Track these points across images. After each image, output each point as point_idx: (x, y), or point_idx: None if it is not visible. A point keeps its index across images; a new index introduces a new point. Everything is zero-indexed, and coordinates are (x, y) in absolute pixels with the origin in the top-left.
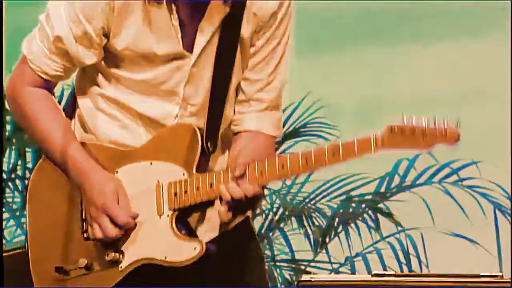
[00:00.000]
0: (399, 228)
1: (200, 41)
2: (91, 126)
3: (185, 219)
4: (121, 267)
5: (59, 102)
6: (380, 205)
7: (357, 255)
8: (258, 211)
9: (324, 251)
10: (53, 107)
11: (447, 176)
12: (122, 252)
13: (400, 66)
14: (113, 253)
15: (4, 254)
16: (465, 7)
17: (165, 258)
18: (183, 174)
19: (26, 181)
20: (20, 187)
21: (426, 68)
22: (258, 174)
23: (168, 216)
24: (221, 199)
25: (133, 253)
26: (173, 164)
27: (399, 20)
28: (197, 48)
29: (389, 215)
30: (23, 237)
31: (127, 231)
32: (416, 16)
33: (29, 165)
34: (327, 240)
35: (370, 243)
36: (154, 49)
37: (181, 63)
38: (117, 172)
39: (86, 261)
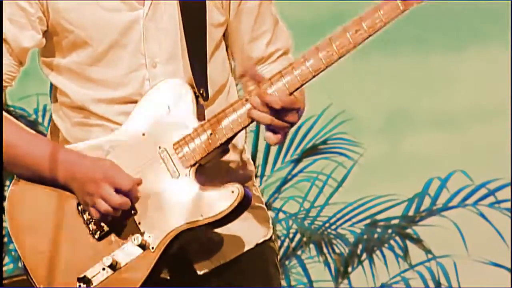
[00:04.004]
0: (429, 256)
1: None
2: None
3: (203, 173)
4: (152, 248)
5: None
6: (408, 230)
7: (382, 285)
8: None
9: (346, 281)
10: (15, 124)
11: (482, 198)
12: (148, 234)
13: (433, 76)
14: (139, 236)
15: None
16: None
17: (201, 216)
18: (187, 128)
19: None
20: None
21: (462, 78)
22: (283, 86)
23: (187, 175)
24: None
25: (161, 228)
26: (171, 125)
27: (434, 25)
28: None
29: (418, 241)
30: None
31: (135, 208)
32: (451, 24)
33: None
34: (349, 269)
35: (397, 273)
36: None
37: (133, 18)
38: None
39: (111, 258)
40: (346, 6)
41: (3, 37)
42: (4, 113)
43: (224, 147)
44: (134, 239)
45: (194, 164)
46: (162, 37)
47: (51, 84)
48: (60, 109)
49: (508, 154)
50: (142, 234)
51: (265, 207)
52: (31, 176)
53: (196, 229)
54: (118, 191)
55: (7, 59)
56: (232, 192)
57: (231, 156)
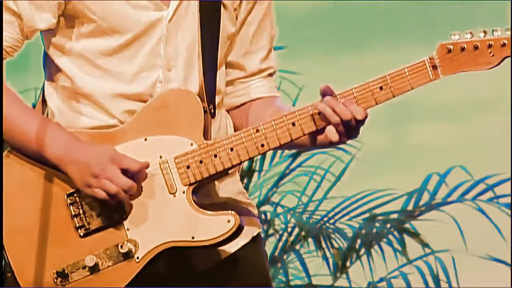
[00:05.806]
0: (428, 250)
1: None
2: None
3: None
4: (137, 258)
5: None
6: (407, 225)
7: (381, 280)
8: (271, 231)
9: (344, 275)
10: (11, 93)
11: (481, 193)
12: (135, 242)
13: None
14: (127, 243)
15: None
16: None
17: (192, 238)
18: (191, 144)
19: None
20: None
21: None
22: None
23: (184, 192)
24: (325, 125)
25: (150, 240)
26: (175, 136)
27: (426, 19)
28: (173, 3)
29: (416, 235)
30: None
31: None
32: (452, 15)
33: None
34: (347, 263)
35: (396, 267)
36: None
37: (158, 17)
38: None
39: (95, 259)
40: None
41: (16, 11)
42: (5, 84)
43: (226, 171)
44: (121, 246)
45: (192, 184)
46: (180, 42)
47: (45, 64)
48: (58, 91)
49: (508, 149)
50: (129, 241)
51: (251, 201)
52: (22, 149)
53: (183, 249)
54: (125, 173)
55: (15, 33)
56: (228, 221)
57: None
